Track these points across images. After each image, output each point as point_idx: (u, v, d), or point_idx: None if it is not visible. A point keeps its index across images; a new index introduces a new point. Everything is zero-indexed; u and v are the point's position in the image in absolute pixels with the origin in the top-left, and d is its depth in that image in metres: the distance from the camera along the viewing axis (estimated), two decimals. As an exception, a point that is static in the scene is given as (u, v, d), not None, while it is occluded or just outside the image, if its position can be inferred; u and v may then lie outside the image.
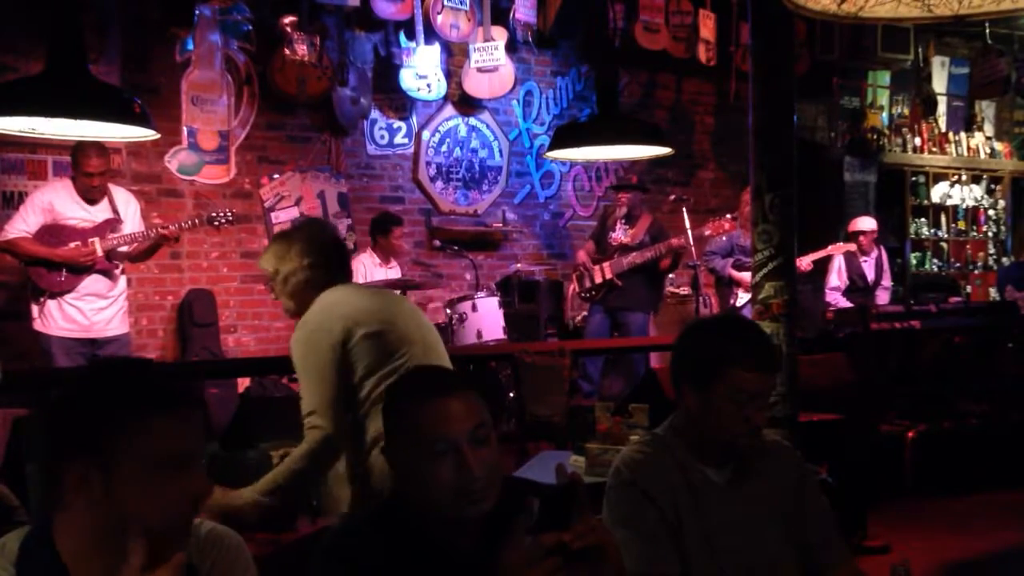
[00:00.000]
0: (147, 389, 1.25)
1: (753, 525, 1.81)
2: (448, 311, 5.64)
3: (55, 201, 4.47)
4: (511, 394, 5.30)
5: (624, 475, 1.81)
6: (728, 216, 5.88)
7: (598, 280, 5.92)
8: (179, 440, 1.23)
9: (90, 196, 4.50)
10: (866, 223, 6.74)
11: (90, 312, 4.52)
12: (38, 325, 4.47)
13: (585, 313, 6.30)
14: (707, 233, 5.81)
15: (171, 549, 1.23)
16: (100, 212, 4.54)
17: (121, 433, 1.19)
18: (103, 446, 1.18)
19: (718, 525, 1.79)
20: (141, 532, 1.19)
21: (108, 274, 4.56)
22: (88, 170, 4.40)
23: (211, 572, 1.34)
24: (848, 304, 6.35)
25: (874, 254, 6.72)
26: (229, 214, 4.77)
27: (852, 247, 6.61)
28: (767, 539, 1.81)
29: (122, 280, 4.70)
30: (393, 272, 5.92)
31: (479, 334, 5.48)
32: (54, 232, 4.43)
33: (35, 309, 4.47)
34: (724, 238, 6.10)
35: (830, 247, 6.48)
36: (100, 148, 4.40)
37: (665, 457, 1.83)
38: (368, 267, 5.80)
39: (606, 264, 5.91)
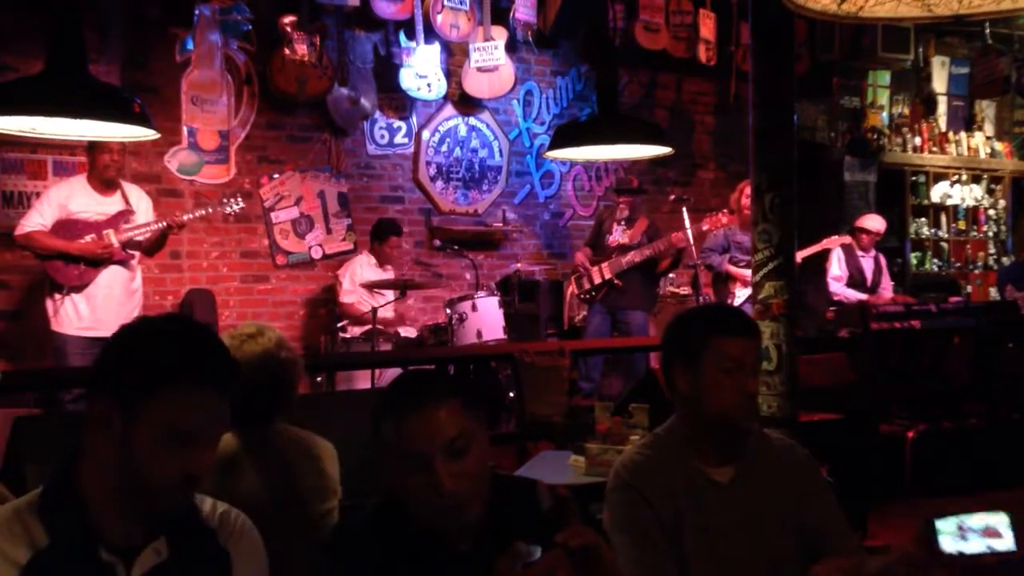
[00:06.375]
0: (185, 357, 1.28)
1: (755, 525, 1.81)
2: (448, 311, 5.65)
3: (70, 196, 4.49)
4: (511, 394, 5.30)
5: (623, 477, 1.82)
6: (725, 211, 5.89)
7: (597, 280, 5.92)
8: (192, 417, 1.26)
9: (107, 176, 4.51)
10: (874, 223, 6.63)
11: (106, 309, 4.48)
12: (54, 324, 4.45)
13: (585, 313, 6.29)
14: (705, 228, 5.80)
15: (160, 518, 1.30)
16: (113, 205, 4.56)
17: (145, 393, 1.25)
18: (130, 397, 1.25)
19: (720, 525, 1.79)
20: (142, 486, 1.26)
21: (125, 264, 4.57)
22: (109, 145, 4.41)
23: (243, 556, 1.40)
24: (856, 295, 6.34)
25: (872, 254, 6.67)
26: (240, 201, 4.96)
27: (847, 240, 6.55)
28: (769, 538, 1.81)
29: (138, 275, 4.70)
30: (387, 274, 5.92)
31: (479, 334, 5.48)
32: (68, 227, 4.44)
33: (50, 307, 4.46)
34: (721, 235, 6.09)
35: (824, 241, 6.45)
36: None
37: (666, 458, 1.83)
38: (364, 267, 5.81)
39: (604, 264, 5.90)
